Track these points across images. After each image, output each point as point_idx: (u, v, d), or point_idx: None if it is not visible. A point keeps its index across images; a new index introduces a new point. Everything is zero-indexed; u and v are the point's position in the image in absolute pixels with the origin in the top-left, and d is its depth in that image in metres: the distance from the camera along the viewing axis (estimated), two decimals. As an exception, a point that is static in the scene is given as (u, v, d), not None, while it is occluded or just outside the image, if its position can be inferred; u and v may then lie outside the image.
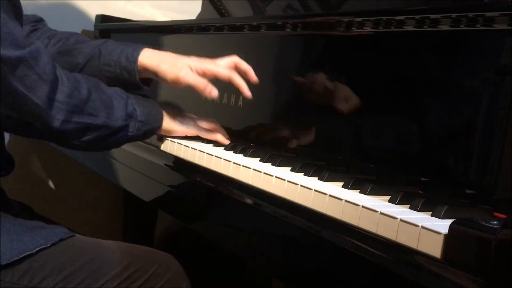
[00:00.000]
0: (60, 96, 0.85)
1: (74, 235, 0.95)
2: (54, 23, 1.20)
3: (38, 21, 1.15)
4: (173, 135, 1.09)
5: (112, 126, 0.93)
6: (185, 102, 1.36)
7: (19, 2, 0.82)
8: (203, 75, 1.03)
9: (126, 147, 1.23)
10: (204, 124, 1.13)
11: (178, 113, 1.11)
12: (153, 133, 1.03)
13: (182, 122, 1.09)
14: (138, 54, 1.04)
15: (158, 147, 1.14)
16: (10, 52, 0.78)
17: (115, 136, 0.95)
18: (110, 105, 0.93)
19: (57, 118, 0.85)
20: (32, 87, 0.81)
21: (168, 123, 1.06)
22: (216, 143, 1.10)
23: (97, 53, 1.07)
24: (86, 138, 0.91)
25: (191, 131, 1.10)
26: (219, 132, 1.12)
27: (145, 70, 1.05)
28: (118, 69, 1.05)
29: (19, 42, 0.80)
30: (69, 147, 0.93)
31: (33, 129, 0.85)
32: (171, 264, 1.02)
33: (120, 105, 0.95)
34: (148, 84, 1.09)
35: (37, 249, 0.87)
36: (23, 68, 0.80)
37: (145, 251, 1.02)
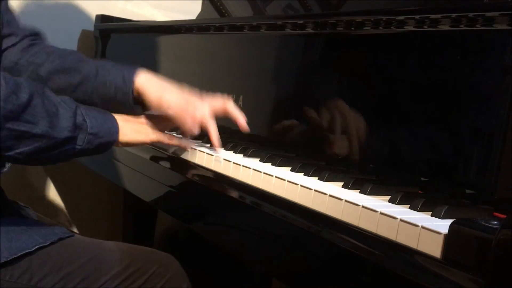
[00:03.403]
0: None
1: (73, 235, 0.95)
2: (54, 23, 1.19)
3: (36, 35, 1.12)
4: (132, 146, 1.04)
5: (56, 137, 0.84)
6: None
7: None
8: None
9: (126, 147, 1.23)
10: (165, 125, 1.07)
11: (134, 120, 1.02)
12: (108, 148, 0.94)
13: (139, 131, 1.01)
14: (134, 76, 1.01)
15: (158, 147, 1.14)
16: None
17: (61, 149, 0.86)
18: (55, 113, 0.84)
19: None
20: None
21: (125, 134, 0.97)
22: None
23: (94, 72, 1.04)
24: (23, 149, 0.81)
25: (150, 139, 1.03)
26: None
27: (138, 93, 1.02)
28: (112, 89, 1.02)
29: None
30: (5, 160, 0.85)
31: None
32: (171, 264, 1.02)
33: (67, 115, 0.86)
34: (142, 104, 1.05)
35: (36, 247, 0.87)
36: None
37: (145, 251, 1.02)
